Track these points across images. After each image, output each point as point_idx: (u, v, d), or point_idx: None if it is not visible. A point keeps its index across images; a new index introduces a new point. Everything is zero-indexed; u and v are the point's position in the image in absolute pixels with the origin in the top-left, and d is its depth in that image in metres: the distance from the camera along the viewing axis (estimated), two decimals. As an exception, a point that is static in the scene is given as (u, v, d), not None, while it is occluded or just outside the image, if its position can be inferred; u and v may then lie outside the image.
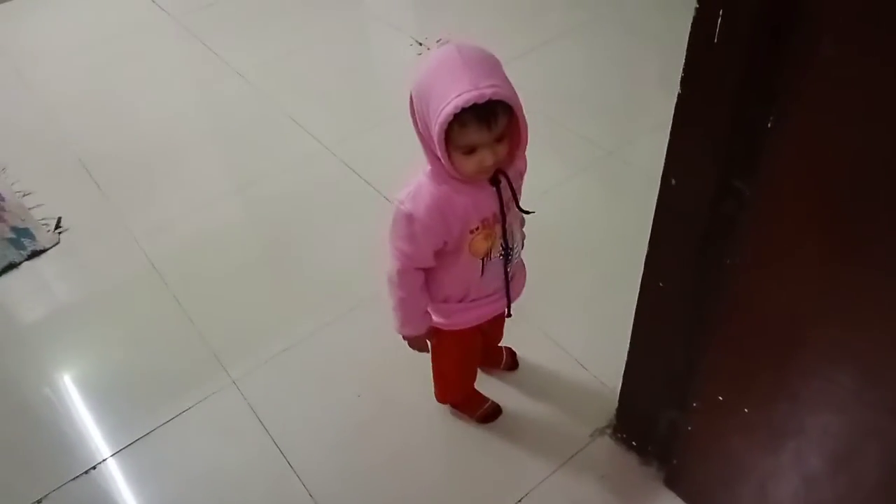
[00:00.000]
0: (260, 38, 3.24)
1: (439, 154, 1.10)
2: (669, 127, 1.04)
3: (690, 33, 0.91)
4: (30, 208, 2.39)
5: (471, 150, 1.10)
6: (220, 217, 2.34)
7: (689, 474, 1.47)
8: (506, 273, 1.35)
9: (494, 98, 1.04)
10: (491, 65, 1.07)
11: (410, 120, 1.14)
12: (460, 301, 1.37)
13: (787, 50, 0.85)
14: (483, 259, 1.29)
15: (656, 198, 1.13)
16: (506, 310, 1.43)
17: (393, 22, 3.26)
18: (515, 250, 1.35)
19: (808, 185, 0.92)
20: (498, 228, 1.26)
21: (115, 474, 1.68)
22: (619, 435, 1.60)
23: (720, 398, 1.25)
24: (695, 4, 0.89)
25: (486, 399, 1.69)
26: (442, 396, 1.68)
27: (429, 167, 1.19)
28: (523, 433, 1.66)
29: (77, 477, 1.68)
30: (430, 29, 3.13)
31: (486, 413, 1.68)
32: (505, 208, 1.23)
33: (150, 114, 2.84)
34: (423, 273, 1.31)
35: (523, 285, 1.46)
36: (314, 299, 2.03)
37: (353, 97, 2.86)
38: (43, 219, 2.35)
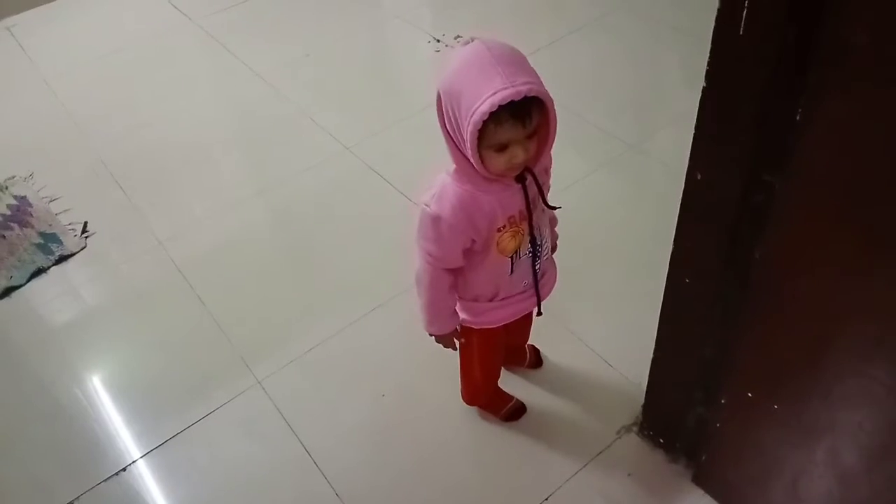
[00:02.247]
0: (279, 39, 3.26)
1: (470, 152, 1.08)
2: (691, 120, 1.02)
3: (715, 25, 0.90)
4: (56, 213, 2.42)
5: (502, 148, 1.09)
6: (243, 219, 2.36)
7: (718, 471, 1.45)
8: (534, 271, 1.34)
9: (530, 95, 1.03)
10: (521, 61, 1.07)
11: (438, 118, 1.13)
12: (490, 300, 1.36)
13: (816, 40, 0.83)
14: (512, 257, 1.28)
15: (680, 192, 1.12)
16: (536, 308, 1.42)
17: (411, 20, 3.26)
18: (544, 247, 1.34)
19: (839, 178, 0.91)
20: (525, 226, 1.25)
21: (146, 475, 1.70)
22: (646, 432, 1.59)
23: (749, 394, 1.23)
24: (719, -5, 0.87)
25: (510, 397, 1.69)
26: (469, 398, 1.68)
27: (453, 166, 1.18)
28: (549, 431, 1.66)
29: (109, 478, 1.70)
30: (448, 26, 3.12)
31: (511, 411, 1.68)
32: (531, 205, 1.22)
33: (172, 118, 2.86)
34: (452, 273, 1.31)
35: (554, 283, 1.45)
36: (338, 299, 2.03)
37: (373, 96, 2.86)
38: (70, 224, 2.38)
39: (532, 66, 1.08)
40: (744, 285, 1.12)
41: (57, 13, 3.66)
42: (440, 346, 1.45)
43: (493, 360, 1.60)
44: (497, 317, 1.38)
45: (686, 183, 1.09)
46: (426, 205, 1.20)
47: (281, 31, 3.32)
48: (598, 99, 2.62)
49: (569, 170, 2.27)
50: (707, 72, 0.96)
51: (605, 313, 1.89)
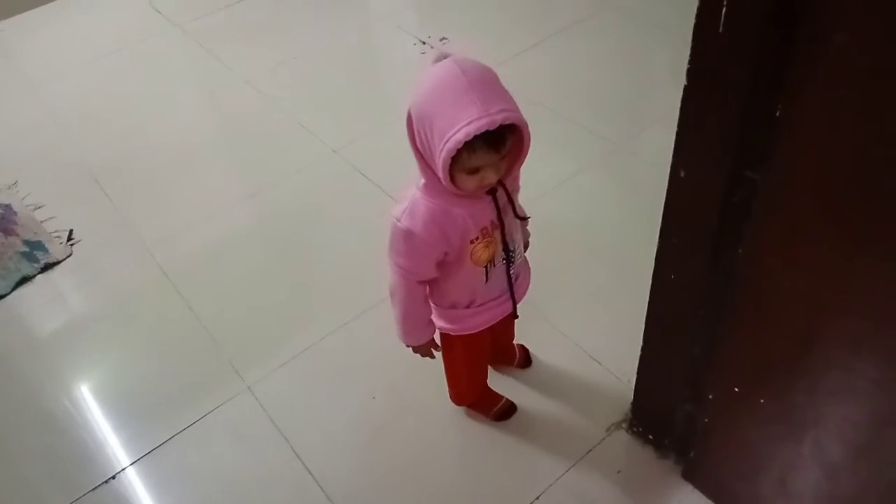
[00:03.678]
0: (264, 43, 3.25)
1: (441, 175, 1.08)
2: (676, 119, 1.03)
3: (695, 22, 0.91)
4: (41, 221, 2.40)
5: (474, 171, 1.09)
6: (230, 224, 2.35)
7: (707, 466, 1.46)
8: (509, 276, 1.35)
9: (505, 123, 1.03)
10: (494, 83, 1.06)
11: (407, 135, 1.13)
12: (467, 307, 1.36)
13: (795, 37, 0.84)
14: (486, 266, 1.28)
15: (665, 185, 1.12)
16: (513, 311, 1.42)
17: (397, 22, 3.26)
18: (517, 253, 1.34)
19: (820, 174, 0.91)
20: (497, 234, 1.25)
21: (136, 482, 1.69)
22: (635, 429, 1.60)
23: (736, 389, 1.24)
24: (699, -7, 0.88)
25: (500, 397, 1.69)
26: (457, 398, 1.68)
27: (423, 181, 1.18)
28: (539, 430, 1.66)
29: (99, 485, 1.69)
30: (434, 28, 3.12)
31: (501, 411, 1.68)
32: (502, 214, 1.23)
33: (158, 123, 2.85)
34: (425, 286, 1.32)
35: (528, 285, 1.45)
36: (326, 303, 2.03)
37: (360, 99, 2.85)
38: (55, 231, 2.37)
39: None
40: (729, 282, 1.13)
41: (41, 19, 3.64)
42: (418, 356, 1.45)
43: (478, 363, 1.61)
44: (475, 322, 1.39)
45: (670, 181, 1.10)
46: (397, 219, 1.20)
47: (266, 34, 3.31)
48: (585, 98, 2.62)
49: (556, 169, 2.27)
50: (688, 70, 0.96)
51: (593, 312, 1.90)
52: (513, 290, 1.38)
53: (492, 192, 1.20)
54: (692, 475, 1.51)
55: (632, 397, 1.57)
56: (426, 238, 1.19)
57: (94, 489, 1.68)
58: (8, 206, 2.45)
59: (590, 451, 1.60)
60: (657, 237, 1.20)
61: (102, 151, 2.72)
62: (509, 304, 1.40)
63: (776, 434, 1.22)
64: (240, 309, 2.07)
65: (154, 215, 2.41)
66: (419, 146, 1.12)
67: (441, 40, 3.00)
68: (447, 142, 1.02)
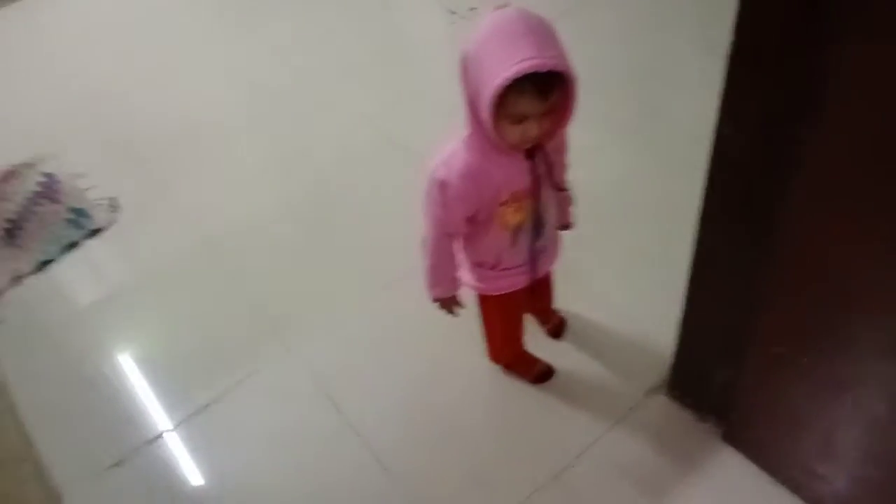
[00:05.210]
0: (296, 14, 3.25)
1: (485, 115, 1.08)
2: (710, 85, 1.02)
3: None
4: (84, 190, 2.46)
5: (519, 120, 1.09)
6: (267, 191, 2.38)
7: (748, 428, 1.46)
8: (532, 248, 1.35)
9: (556, 69, 1.02)
10: (552, 34, 1.06)
11: (461, 81, 1.13)
12: (492, 268, 1.38)
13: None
14: (514, 231, 1.29)
15: (702, 156, 1.11)
16: (530, 282, 1.43)
17: (427, -8, 3.23)
18: (547, 226, 1.34)
19: (869, 131, 0.90)
20: (529, 203, 1.25)
21: (181, 443, 1.75)
22: (675, 391, 1.60)
23: (777, 350, 1.24)
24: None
25: (537, 360, 1.70)
26: (494, 355, 1.70)
27: (467, 133, 1.18)
28: (576, 393, 1.67)
29: (143, 446, 1.75)
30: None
31: (539, 374, 1.70)
32: (538, 183, 1.23)
33: (194, 94, 2.88)
34: (455, 240, 1.33)
35: (554, 260, 1.46)
36: (366, 268, 2.06)
37: (390, 70, 2.85)
38: (97, 199, 2.41)
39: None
40: (772, 239, 1.12)
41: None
42: (445, 313, 1.46)
43: (512, 323, 1.62)
44: (498, 285, 1.41)
45: (714, 140, 1.09)
46: (434, 169, 1.22)
47: (298, 5, 3.31)
48: (615, 66, 2.58)
49: (589, 137, 2.24)
50: (735, 25, 0.95)
51: (631, 277, 1.90)
52: (535, 263, 1.38)
53: (531, 157, 1.20)
54: (732, 437, 1.51)
55: (670, 361, 1.57)
56: (459, 191, 1.20)
57: (138, 448, 1.74)
58: (51, 175, 2.50)
59: (628, 413, 1.61)
60: (692, 202, 1.19)
61: (140, 122, 2.76)
62: (531, 275, 1.41)
63: (818, 393, 1.22)
64: (277, 275, 2.11)
65: (192, 184, 2.45)
66: (469, 90, 1.12)
67: (470, 10, 2.96)
68: (497, 78, 1.02)
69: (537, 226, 1.31)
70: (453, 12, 3.00)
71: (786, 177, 1.03)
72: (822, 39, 0.87)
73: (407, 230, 2.06)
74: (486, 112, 1.07)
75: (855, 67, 0.87)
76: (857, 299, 1.05)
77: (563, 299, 1.74)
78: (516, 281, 1.41)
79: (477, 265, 1.39)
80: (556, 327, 1.78)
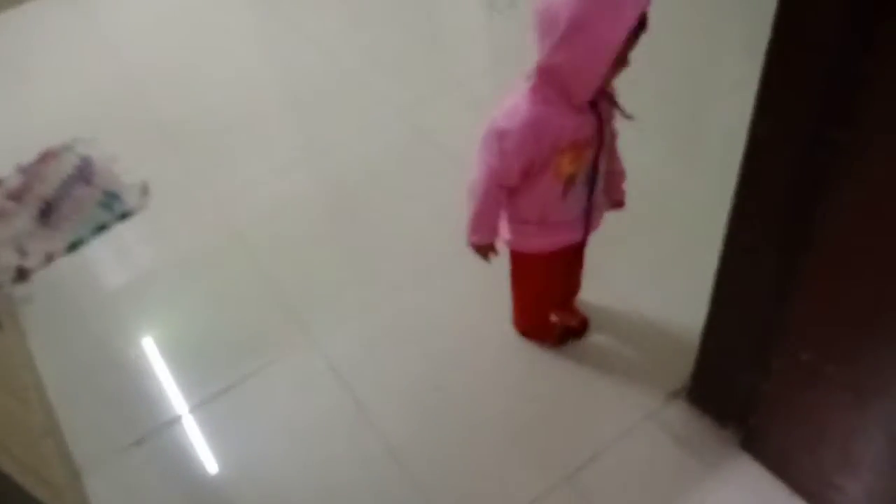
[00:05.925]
0: (331, 5, 3.28)
1: (599, 68, 1.13)
2: (748, 86, 1.02)
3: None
4: (118, 174, 2.50)
5: (622, 61, 1.17)
6: (297, 181, 2.40)
7: (767, 436, 1.45)
8: (590, 200, 1.38)
9: (646, 9, 1.10)
10: None
11: (538, 39, 1.14)
12: (537, 224, 1.40)
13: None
14: (566, 182, 1.31)
15: (737, 157, 1.11)
16: (582, 239, 1.46)
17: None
18: (599, 182, 1.37)
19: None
20: (587, 153, 1.28)
21: (198, 426, 1.77)
22: (696, 396, 1.59)
23: (803, 357, 1.23)
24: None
25: (556, 325, 1.74)
26: (519, 322, 1.73)
27: (532, 84, 1.20)
28: (596, 394, 1.67)
29: (161, 427, 1.77)
30: (501, -6, 3.09)
31: (561, 334, 1.73)
32: (602, 131, 1.27)
33: (228, 82, 2.92)
34: (504, 191, 1.35)
35: (601, 219, 1.48)
36: (389, 260, 2.07)
37: (425, 62, 2.87)
38: (130, 183, 2.45)
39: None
40: (803, 247, 1.11)
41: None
42: (481, 261, 1.49)
43: (549, 290, 1.64)
44: (542, 242, 1.43)
45: (749, 140, 1.08)
46: (494, 120, 1.25)
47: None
48: (653, 65, 2.56)
49: (623, 135, 2.24)
50: (774, 25, 0.95)
51: (656, 276, 1.89)
52: (589, 216, 1.41)
53: (594, 107, 1.23)
54: (751, 445, 1.49)
55: (692, 365, 1.56)
56: (519, 140, 1.23)
57: (158, 429, 1.77)
58: (87, 158, 2.55)
59: (648, 416, 1.60)
60: (724, 205, 1.19)
61: (175, 109, 2.81)
62: (578, 234, 1.43)
63: (842, 402, 1.20)
64: (304, 264, 2.13)
65: (223, 171, 2.48)
66: (553, 44, 1.12)
67: (510, 5, 2.97)
68: (627, 21, 1.07)
69: (592, 179, 1.34)
70: (493, 7, 3.02)
71: (821, 180, 1.02)
72: (862, 41, 0.87)
73: (434, 224, 2.09)
74: (604, 61, 1.12)
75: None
76: (890, 308, 1.03)
77: (589, 296, 1.74)
78: (563, 238, 1.44)
79: (520, 222, 1.42)
80: (581, 325, 1.78)
